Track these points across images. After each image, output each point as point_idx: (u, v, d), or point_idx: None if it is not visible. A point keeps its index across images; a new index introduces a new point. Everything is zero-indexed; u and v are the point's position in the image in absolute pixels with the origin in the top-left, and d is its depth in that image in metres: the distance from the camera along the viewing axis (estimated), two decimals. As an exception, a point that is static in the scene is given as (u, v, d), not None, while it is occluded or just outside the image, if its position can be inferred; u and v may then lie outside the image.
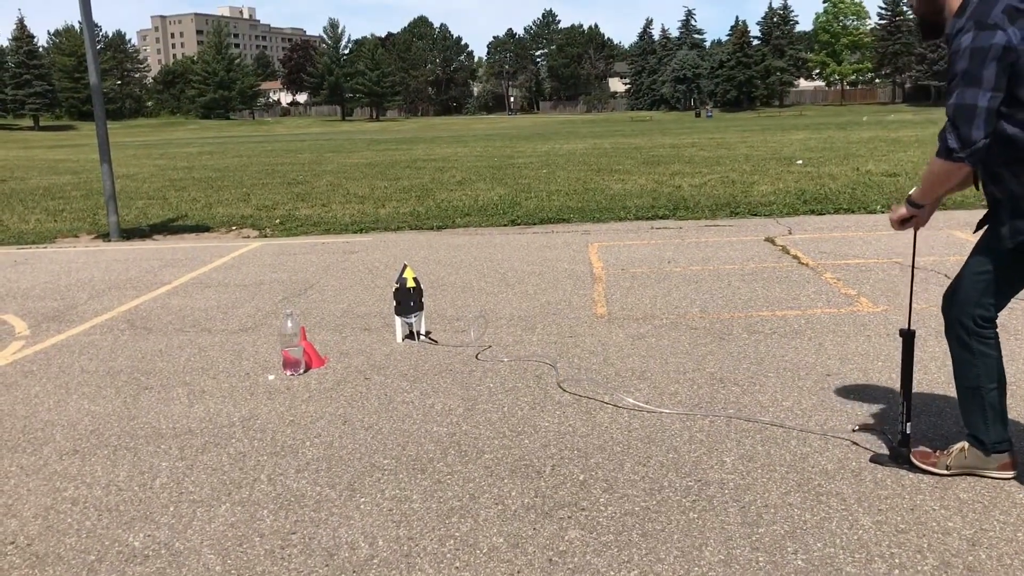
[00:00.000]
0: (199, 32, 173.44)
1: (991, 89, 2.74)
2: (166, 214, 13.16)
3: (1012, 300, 3.16)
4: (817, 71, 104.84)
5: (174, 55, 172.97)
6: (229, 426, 4.16)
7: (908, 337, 3.34)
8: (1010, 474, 3.24)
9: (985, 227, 3.13)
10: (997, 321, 3.15)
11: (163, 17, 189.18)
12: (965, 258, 3.20)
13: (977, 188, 3.17)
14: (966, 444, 3.27)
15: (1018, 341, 4.96)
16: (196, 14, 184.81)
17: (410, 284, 5.48)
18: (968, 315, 3.11)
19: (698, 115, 77.47)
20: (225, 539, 3.05)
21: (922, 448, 3.42)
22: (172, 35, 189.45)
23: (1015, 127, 2.80)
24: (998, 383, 3.15)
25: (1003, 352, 3.19)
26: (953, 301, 3.17)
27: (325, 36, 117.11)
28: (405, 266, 5.64)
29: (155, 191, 17.03)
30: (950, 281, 3.26)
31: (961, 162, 2.84)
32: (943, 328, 3.24)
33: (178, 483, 3.54)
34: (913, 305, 4.88)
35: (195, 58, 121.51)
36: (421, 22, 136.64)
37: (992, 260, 3.07)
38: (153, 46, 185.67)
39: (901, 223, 3.22)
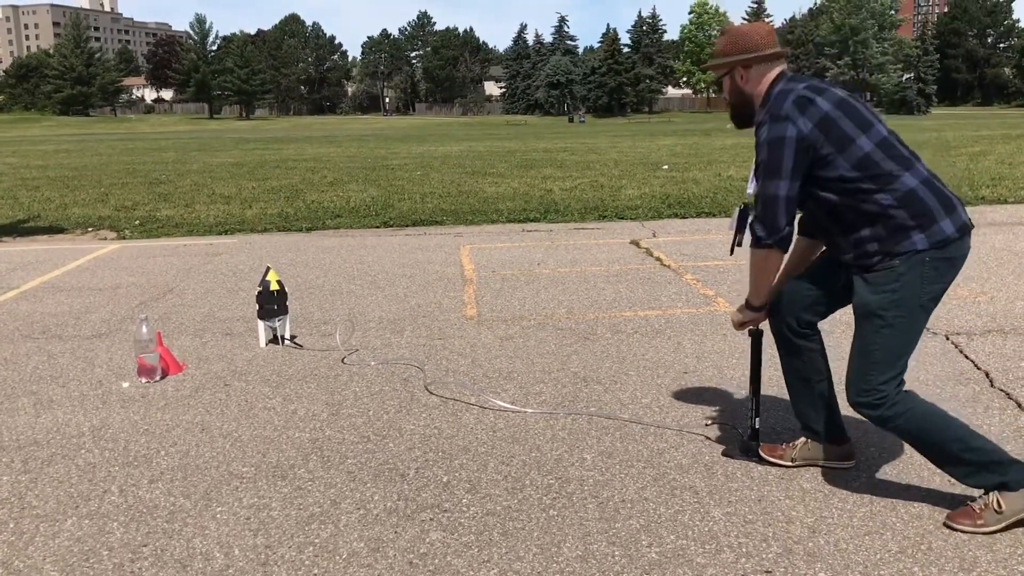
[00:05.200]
0: (56, 24, 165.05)
1: (789, 178, 2.89)
2: (16, 215, 12.46)
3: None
4: (684, 79, 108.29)
5: (28, 47, 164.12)
6: (79, 436, 3.98)
7: (756, 336, 3.48)
8: (848, 463, 3.43)
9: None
10: (841, 320, 3.31)
11: (15, 7, 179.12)
12: None
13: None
14: (808, 437, 3.45)
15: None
16: (52, 5, 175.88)
17: (274, 287, 5.37)
18: (794, 318, 3.27)
19: (571, 120, 78.69)
20: (70, 555, 2.92)
21: (769, 443, 3.59)
22: (26, 26, 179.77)
23: (827, 192, 2.94)
24: (826, 377, 3.33)
25: (839, 348, 3.37)
26: (780, 304, 3.31)
27: (192, 32, 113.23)
28: (268, 268, 5.52)
29: (4, 191, 16.10)
30: None
31: (770, 248, 2.99)
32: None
33: (20, 498, 3.36)
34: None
35: (51, 51, 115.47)
36: (293, 20, 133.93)
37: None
38: (4, 37, 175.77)
39: (742, 325, 3.37)
